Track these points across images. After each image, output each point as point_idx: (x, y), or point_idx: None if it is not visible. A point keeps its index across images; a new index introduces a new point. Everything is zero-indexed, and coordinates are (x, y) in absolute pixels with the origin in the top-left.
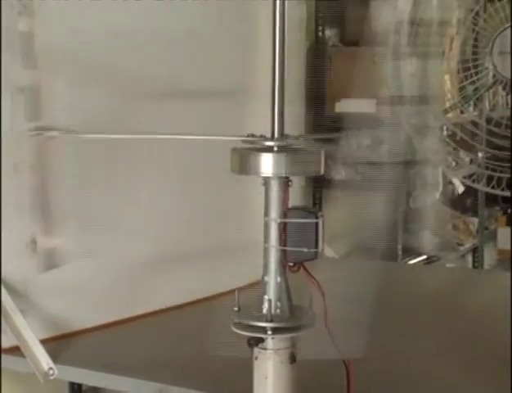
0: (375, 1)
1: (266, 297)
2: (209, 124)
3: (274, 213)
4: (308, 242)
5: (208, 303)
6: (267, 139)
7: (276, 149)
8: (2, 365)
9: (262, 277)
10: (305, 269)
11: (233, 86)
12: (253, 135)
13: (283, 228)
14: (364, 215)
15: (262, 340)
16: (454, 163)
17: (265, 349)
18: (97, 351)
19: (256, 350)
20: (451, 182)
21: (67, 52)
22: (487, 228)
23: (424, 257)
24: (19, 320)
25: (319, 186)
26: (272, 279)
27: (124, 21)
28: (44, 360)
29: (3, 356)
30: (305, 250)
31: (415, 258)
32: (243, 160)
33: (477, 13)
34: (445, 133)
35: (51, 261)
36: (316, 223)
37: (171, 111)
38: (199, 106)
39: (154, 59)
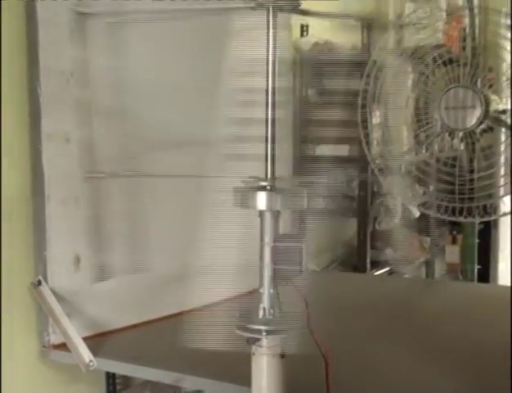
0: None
1: (261, 305)
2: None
3: (267, 238)
4: (294, 262)
5: (217, 307)
6: (261, 180)
7: (268, 188)
8: (54, 358)
9: (258, 289)
10: (292, 283)
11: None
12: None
13: (274, 251)
14: (339, 236)
15: (258, 339)
16: (410, 194)
17: (261, 346)
18: (128, 347)
19: (253, 347)
20: (408, 209)
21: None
22: (437, 245)
23: (387, 269)
24: (65, 322)
25: (304, 213)
26: (266, 291)
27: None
28: (86, 354)
29: (55, 351)
30: (292, 268)
31: (380, 270)
32: (243, 197)
33: (427, 77)
34: (403, 170)
35: (91, 275)
36: (301, 247)
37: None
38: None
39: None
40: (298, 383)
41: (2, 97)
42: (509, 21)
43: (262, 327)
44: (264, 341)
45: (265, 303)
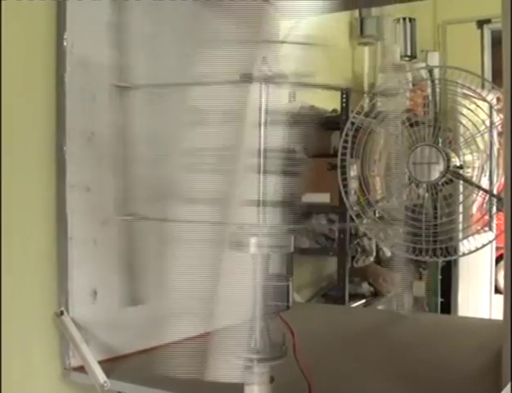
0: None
1: (253, 336)
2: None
3: (259, 278)
4: (282, 298)
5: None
6: (254, 226)
7: (260, 233)
8: (74, 379)
9: (251, 322)
10: (280, 317)
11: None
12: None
13: (265, 289)
14: (321, 272)
15: (250, 367)
16: (383, 236)
17: (252, 373)
18: (138, 370)
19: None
20: (381, 249)
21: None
22: (406, 281)
23: (363, 301)
24: (83, 347)
25: (290, 252)
26: (257, 324)
27: None
28: (100, 376)
29: (74, 373)
30: (280, 303)
31: (357, 302)
32: (238, 241)
33: (396, 137)
34: (377, 215)
35: (106, 306)
36: (288, 286)
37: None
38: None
39: None
40: None
41: (34, 152)
42: (464, 90)
43: (254, 356)
44: (255, 368)
45: (256, 334)
